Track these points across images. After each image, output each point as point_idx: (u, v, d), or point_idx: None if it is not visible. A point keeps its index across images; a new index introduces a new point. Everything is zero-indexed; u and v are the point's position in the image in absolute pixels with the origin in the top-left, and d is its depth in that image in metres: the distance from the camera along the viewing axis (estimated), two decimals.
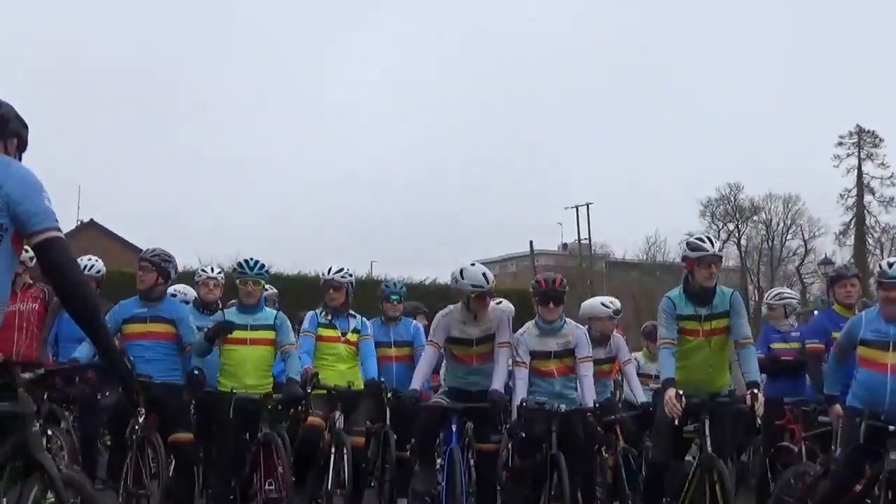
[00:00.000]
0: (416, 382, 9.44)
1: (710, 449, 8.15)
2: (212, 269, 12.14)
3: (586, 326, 10.46)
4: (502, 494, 9.71)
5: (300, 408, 10.11)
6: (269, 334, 9.58)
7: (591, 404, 9.05)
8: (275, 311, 9.86)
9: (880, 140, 79.90)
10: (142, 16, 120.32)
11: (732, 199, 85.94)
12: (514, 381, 9.28)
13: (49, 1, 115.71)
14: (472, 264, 9.84)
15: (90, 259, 11.37)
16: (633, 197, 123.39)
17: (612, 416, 10.45)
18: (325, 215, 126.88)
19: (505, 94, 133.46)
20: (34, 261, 10.70)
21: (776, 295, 12.07)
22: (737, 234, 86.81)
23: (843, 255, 79.64)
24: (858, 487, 7.96)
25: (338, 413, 9.89)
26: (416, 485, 9.71)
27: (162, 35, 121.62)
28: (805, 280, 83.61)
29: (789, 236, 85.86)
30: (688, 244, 8.71)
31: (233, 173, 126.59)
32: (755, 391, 8.13)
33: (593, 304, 11.12)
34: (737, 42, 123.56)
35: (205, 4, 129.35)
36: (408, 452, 10.79)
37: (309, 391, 9.79)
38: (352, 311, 10.72)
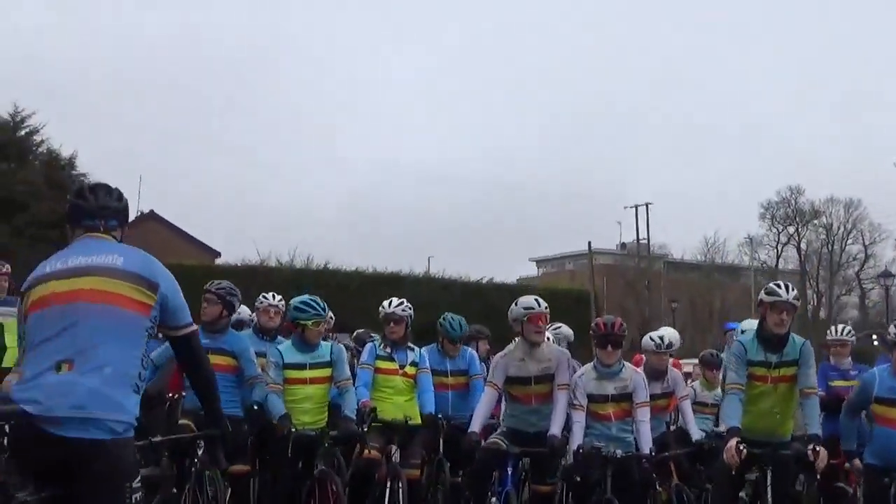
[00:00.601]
0: (476, 425, 9.43)
1: (770, 501, 8.16)
2: (273, 296, 12.14)
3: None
4: None
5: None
6: (327, 371, 9.65)
7: (647, 450, 9.06)
8: (331, 345, 9.87)
9: None
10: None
11: (793, 202, 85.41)
12: (571, 423, 9.27)
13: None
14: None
15: None
16: (692, 198, 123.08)
17: (667, 453, 10.30)
18: (386, 212, 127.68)
19: (566, 94, 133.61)
20: None
21: (842, 332, 12.04)
22: (797, 238, 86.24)
23: None
24: None
25: (394, 447, 10.07)
26: None
27: (236, 25, 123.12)
28: (864, 286, 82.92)
29: (850, 241, 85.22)
30: (764, 289, 8.68)
31: (297, 169, 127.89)
32: (817, 447, 8.07)
33: (645, 339, 11.06)
34: (802, 45, 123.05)
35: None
36: (460, 478, 10.79)
37: (366, 426, 9.90)
38: (410, 344, 10.83)
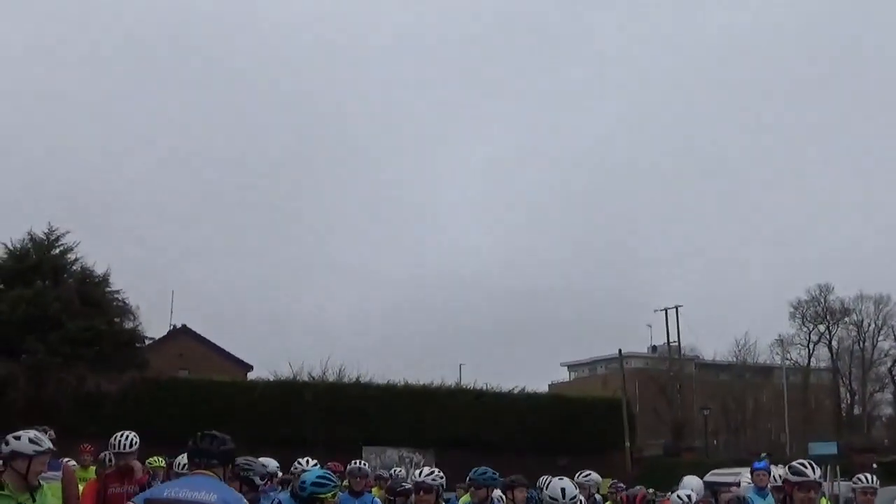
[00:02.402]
0: None
1: None
2: (307, 462, 12.63)
3: None
4: None
5: None
6: None
7: None
8: None
9: None
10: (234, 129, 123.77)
11: (822, 300, 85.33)
12: None
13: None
14: (560, 478, 10.31)
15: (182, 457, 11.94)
16: (721, 299, 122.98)
17: None
18: (417, 322, 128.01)
19: (592, 197, 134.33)
20: (135, 446, 11.57)
21: (870, 481, 12.35)
22: (828, 336, 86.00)
23: None
24: None
25: None
26: None
27: (265, 149, 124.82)
28: None
29: (881, 337, 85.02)
30: (789, 468, 9.04)
31: (324, 279, 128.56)
32: None
33: (673, 498, 11.32)
34: (824, 138, 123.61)
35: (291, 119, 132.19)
36: None
37: None
38: None
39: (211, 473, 7.51)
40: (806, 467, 8.86)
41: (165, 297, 68.70)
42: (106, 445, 14.57)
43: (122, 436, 12.26)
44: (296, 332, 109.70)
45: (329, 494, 9.81)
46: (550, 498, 9.68)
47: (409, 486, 13.49)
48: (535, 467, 49.62)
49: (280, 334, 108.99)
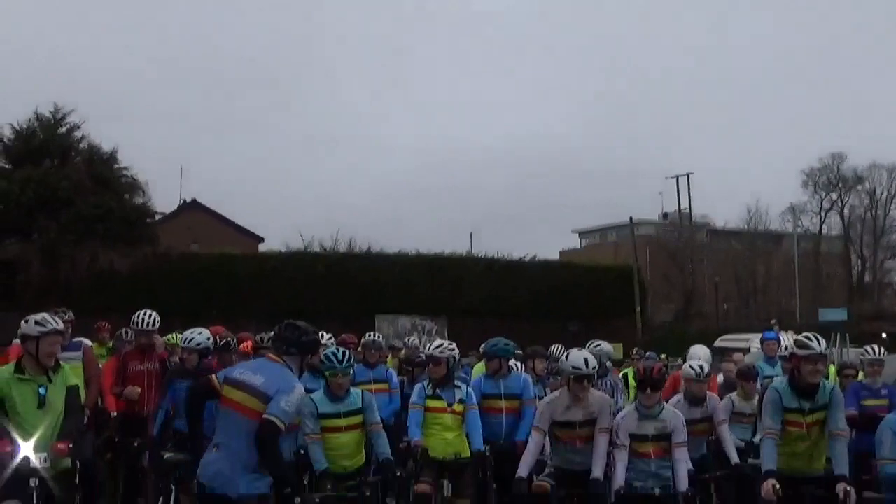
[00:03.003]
0: (523, 469, 9.84)
1: None
2: (321, 335, 12.59)
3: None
4: None
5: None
6: (359, 418, 10.01)
7: (684, 489, 9.49)
8: (361, 393, 10.21)
9: None
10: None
11: (836, 168, 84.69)
12: (613, 462, 9.75)
13: None
14: (580, 349, 10.30)
15: (194, 332, 11.89)
16: (734, 166, 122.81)
17: (706, 475, 10.92)
18: (429, 193, 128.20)
19: (608, 61, 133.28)
20: (157, 325, 11.62)
21: (879, 353, 12.29)
22: (840, 204, 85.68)
23: None
24: None
25: (445, 482, 10.52)
26: None
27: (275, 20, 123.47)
28: None
29: (893, 206, 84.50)
30: (795, 342, 9.13)
31: (339, 152, 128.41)
32: (847, 487, 8.53)
33: (684, 367, 11.52)
34: (840, 10, 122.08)
35: None
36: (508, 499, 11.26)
37: (419, 462, 10.65)
38: (457, 383, 11.22)
39: (277, 358, 8.03)
40: (811, 340, 8.92)
41: (175, 174, 68.69)
42: (121, 323, 14.66)
43: (144, 314, 12.39)
44: (306, 205, 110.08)
45: (328, 374, 9.87)
46: (574, 367, 9.68)
47: (423, 356, 13.58)
48: (546, 334, 50.07)
49: (290, 207, 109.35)
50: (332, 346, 12.59)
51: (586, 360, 9.77)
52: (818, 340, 8.93)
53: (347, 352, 10.16)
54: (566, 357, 10.14)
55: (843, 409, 9.25)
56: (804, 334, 9.18)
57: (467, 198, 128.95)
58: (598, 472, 9.54)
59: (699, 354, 14.45)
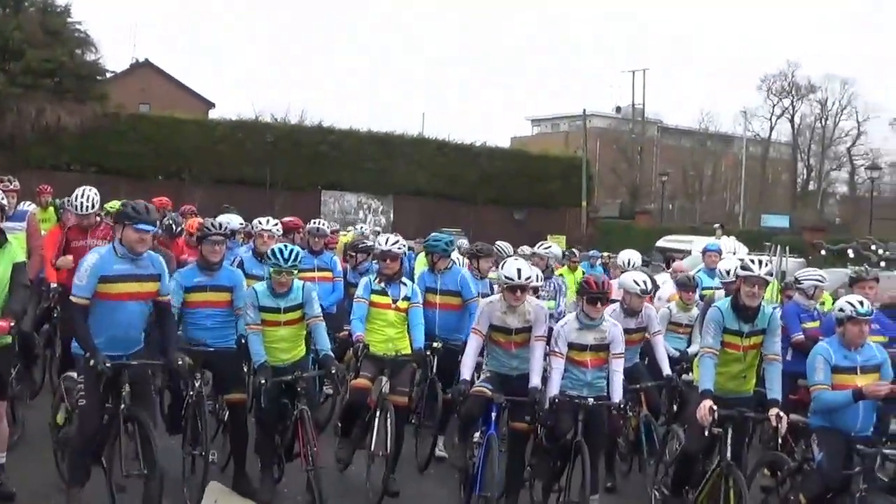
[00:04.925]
0: (466, 372, 9.87)
1: (729, 457, 8.85)
2: (268, 221, 12.72)
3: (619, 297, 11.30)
4: (530, 470, 10.23)
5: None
6: (300, 312, 9.99)
7: (617, 400, 9.61)
8: (302, 285, 10.12)
9: None
10: None
11: (790, 75, 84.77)
12: (549, 369, 9.79)
13: None
14: (516, 258, 10.45)
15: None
16: (691, 68, 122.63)
17: (638, 385, 11.18)
18: (382, 72, 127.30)
19: None
20: (96, 206, 11.49)
21: (807, 275, 12.32)
22: (791, 111, 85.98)
23: None
24: None
25: (384, 378, 10.53)
26: (455, 460, 10.50)
27: None
28: (855, 162, 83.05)
29: (843, 117, 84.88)
30: (740, 264, 9.24)
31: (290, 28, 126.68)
32: (780, 413, 8.77)
33: (626, 279, 11.36)
34: None
35: None
36: (450, 395, 11.23)
37: (360, 357, 10.64)
38: (404, 279, 11.18)
39: None
40: (754, 262, 9.05)
41: (128, 31, 67.85)
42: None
43: (82, 196, 12.01)
44: (260, 72, 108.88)
45: (273, 271, 9.86)
46: (506, 277, 9.71)
47: (370, 243, 13.56)
48: (492, 220, 50.34)
49: (245, 74, 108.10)
50: (275, 230, 12.63)
51: (519, 271, 9.71)
52: (760, 263, 9.05)
53: (295, 250, 10.00)
54: (502, 266, 10.15)
55: (779, 333, 9.39)
56: (749, 257, 9.30)
57: (421, 76, 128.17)
58: (535, 380, 9.61)
59: (630, 258, 14.60)
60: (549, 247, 15.54)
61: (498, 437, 9.72)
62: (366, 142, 52.37)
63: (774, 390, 9.00)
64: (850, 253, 18.48)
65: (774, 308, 9.63)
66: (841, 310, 8.88)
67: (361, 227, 20.42)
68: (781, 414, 8.73)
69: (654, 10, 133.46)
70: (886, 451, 8.68)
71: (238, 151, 48.33)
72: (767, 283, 9.20)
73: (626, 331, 10.57)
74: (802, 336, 11.26)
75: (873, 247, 19.50)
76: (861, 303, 8.98)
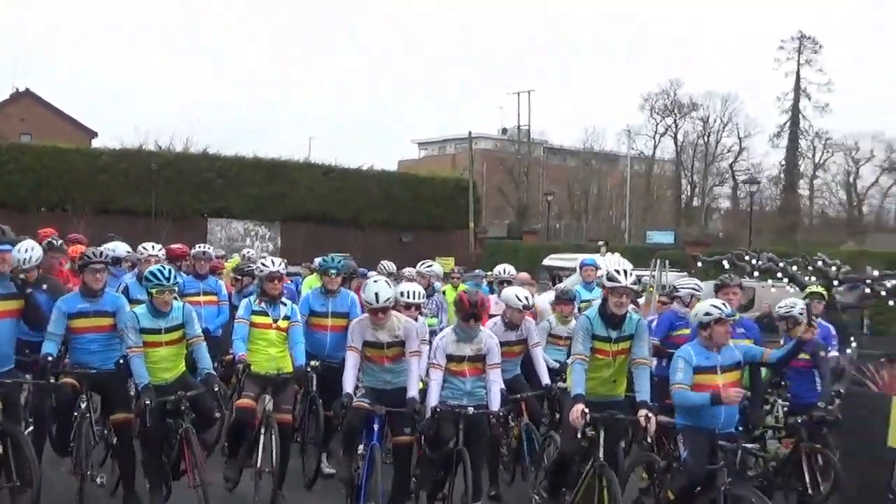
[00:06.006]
0: (348, 386, 10.07)
1: (602, 458, 9.24)
2: (153, 247, 12.95)
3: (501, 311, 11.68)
4: (415, 481, 10.46)
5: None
6: (181, 332, 10.18)
7: (496, 409, 9.91)
8: (182, 306, 10.30)
9: (820, 47, 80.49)
10: None
11: (672, 94, 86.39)
12: (429, 381, 10.08)
13: None
14: (376, 280, 10.39)
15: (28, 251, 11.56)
16: (575, 88, 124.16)
17: (518, 395, 11.53)
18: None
19: None
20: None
21: (684, 285, 12.76)
22: (674, 129, 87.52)
23: (776, 156, 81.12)
24: None
25: (267, 397, 10.79)
26: (340, 474, 10.59)
27: None
28: (737, 177, 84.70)
29: (725, 133, 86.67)
30: (606, 274, 9.62)
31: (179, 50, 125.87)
32: (649, 414, 9.15)
33: (509, 294, 11.69)
34: None
35: None
36: (332, 412, 11.46)
37: (242, 377, 10.94)
38: (284, 299, 11.43)
39: None
40: (619, 273, 9.40)
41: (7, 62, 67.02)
42: None
43: None
44: (144, 101, 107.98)
45: (154, 291, 9.99)
46: (366, 301, 9.98)
47: (255, 266, 13.73)
48: (379, 243, 50.45)
49: (128, 102, 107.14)
50: (160, 254, 12.78)
51: (377, 295, 9.94)
52: (626, 273, 9.42)
53: (171, 269, 10.21)
54: (365, 287, 10.39)
55: (647, 339, 9.87)
56: (614, 268, 9.63)
57: (307, 101, 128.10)
58: (413, 391, 9.86)
59: (510, 271, 15.00)
60: (431, 266, 16.03)
61: (382, 448, 9.97)
62: (252, 168, 52.23)
63: (643, 392, 9.37)
64: (726, 264, 18.97)
65: (639, 318, 9.99)
66: (707, 313, 9.28)
67: (247, 252, 20.52)
68: (650, 415, 9.10)
69: (538, 30, 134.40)
70: (747, 446, 9.04)
71: (122, 180, 47.92)
72: (633, 291, 9.65)
73: (507, 343, 11.09)
74: (657, 341, 11.67)
75: (747, 257, 20.02)
76: (725, 305, 9.54)
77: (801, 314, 11.44)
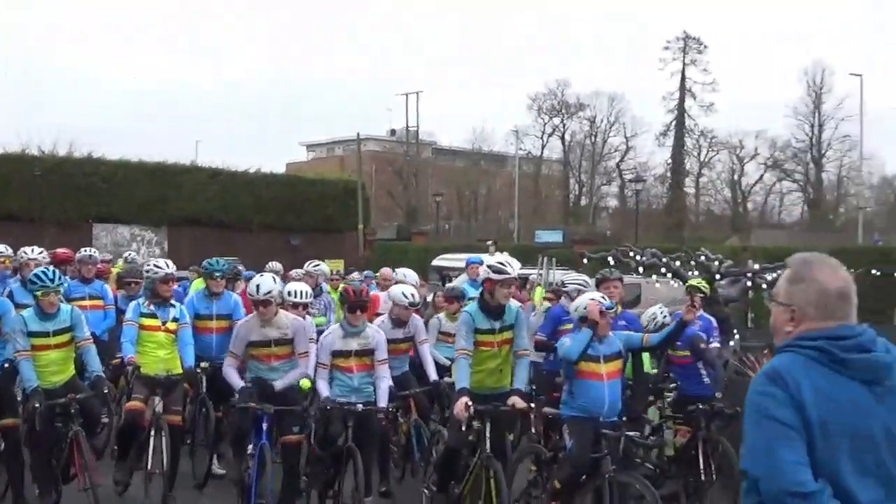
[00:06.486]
0: (238, 384, 10.24)
1: (488, 450, 9.44)
2: (32, 250, 12.86)
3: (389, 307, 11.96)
4: (306, 479, 10.59)
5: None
6: (69, 335, 10.14)
7: (384, 405, 10.07)
8: (70, 309, 10.28)
9: (704, 47, 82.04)
10: None
11: (559, 94, 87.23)
12: (317, 380, 10.23)
13: None
14: (262, 275, 10.74)
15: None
16: (463, 89, 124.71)
17: (407, 392, 11.68)
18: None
19: None
20: None
21: (572, 280, 12.95)
22: (562, 129, 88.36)
23: (662, 155, 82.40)
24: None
25: (157, 399, 10.77)
26: (230, 474, 10.81)
27: None
28: (624, 176, 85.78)
29: (612, 133, 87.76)
30: (490, 267, 9.72)
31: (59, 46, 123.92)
32: (518, 399, 9.47)
33: (395, 292, 11.95)
34: None
35: None
36: (221, 413, 11.83)
37: (131, 379, 10.99)
38: (173, 302, 11.45)
39: None
40: (506, 265, 9.59)
41: None
42: None
43: None
44: (26, 102, 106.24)
45: (39, 294, 9.93)
46: (249, 294, 10.13)
47: (150, 269, 13.69)
48: (268, 246, 50.23)
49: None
50: (41, 258, 12.67)
51: (258, 287, 10.14)
52: (512, 265, 9.61)
53: (56, 270, 10.18)
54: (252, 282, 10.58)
55: (526, 328, 10.14)
56: (498, 260, 9.84)
57: (193, 103, 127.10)
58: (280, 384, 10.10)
59: (410, 280, 15.02)
60: (318, 265, 16.09)
61: (272, 448, 10.00)
62: (137, 172, 51.61)
63: (519, 381, 9.74)
64: (611, 260, 19.19)
65: (518, 309, 10.16)
66: (587, 307, 9.48)
67: (132, 255, 20.39)
68: (519, 399, 9.40)
69: (428, 32, 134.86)
70: (630, 434, 9.28)
71: (4, 185, 47.01)
72: (517, 280, 9.87)
73: (395, 340, 11.27)
74: (543, 337, 11.83)
75: (632, 253, 20.30)
76: (605, 298, 9.89)
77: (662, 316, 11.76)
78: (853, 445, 3.61)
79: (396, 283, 13.84)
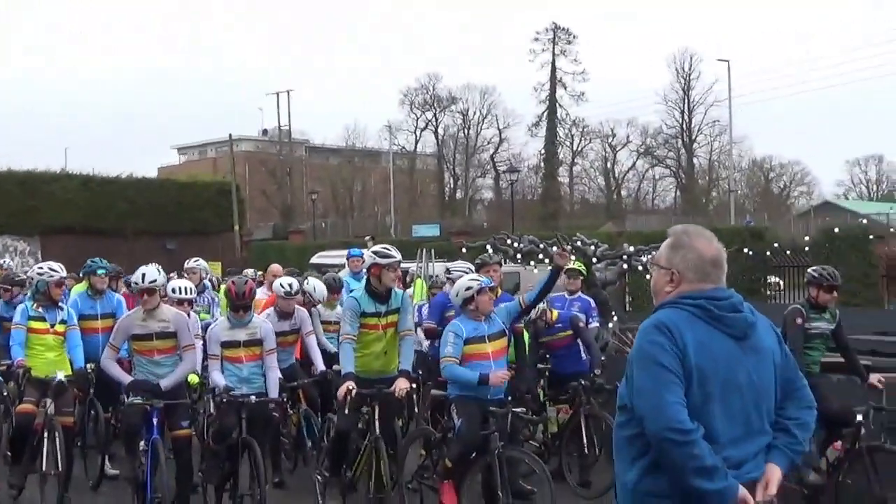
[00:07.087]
0: (124, 379, 10.24)
1: (377, 432, 9.68)
2: None
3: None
4: (201, 475, 10.76)
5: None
6: None
7: (274, 395, 10.29)
8: None
9: (574, 37, 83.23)
10: None
11: (431, 88, 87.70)
12: (208, 372, 10.40)
13: None
14: (147, 266, 10.56)
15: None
16: (335, 85, 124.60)
17: (295, 383, 11.89)
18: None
19: None
20: None
21: (457, 268, 13.23)
22: (434, 123, 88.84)
23: (535, 146, 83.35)
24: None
25: (49, 401, 10.78)
26: (124, 472, 10.93)
27: None
28: (498, 168, 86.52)
29: (485, 125, 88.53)
30: (375, 253, 10.04)
31: None
32: (403, 381, 9.76)
33: (276, 284, 12.30)
34: None
35: None
36: (110, 415, 12.00)
37: (22, 382, 10.97)
38: (60, 304, 11.46)
39: None
40: (391, 250, 10.00)
41: None
42: None
43: None
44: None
45: None
46: (133, 282, 10.19)
47: (23, 276, 13.66)
48: (143, 251, 49.82)
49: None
50: None
51: (143, 275, 10.15)
52: (396, 250, 10.01)
53: None
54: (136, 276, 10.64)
55: (411, 311, 10.63)
56: (382, 246, 10.22)
57: (62, 110, 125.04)
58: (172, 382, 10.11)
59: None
60: (198, 261, 16.19)
61: (164, 443, 10.08)
62: (6, 181, 50.81)
63: (405, 362, 10.00)
64: (489, 248, 19.55)
65: (403, 293, 10.45)
66: (468, 287, 9.73)
67: (7, 262, 20.25)
68: (405, 381, 9.71)
69: (296, 29, 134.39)
70: (516, 411, 9.57)
71: None
72: (400, 263, 10.13)
73: (281, 333, 11.49)
74: (433, 324, 12.06)
75: (509, 241, 20.70)
76: (482, 277, 10.22)
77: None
78: (723, 390, 4.20)
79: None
